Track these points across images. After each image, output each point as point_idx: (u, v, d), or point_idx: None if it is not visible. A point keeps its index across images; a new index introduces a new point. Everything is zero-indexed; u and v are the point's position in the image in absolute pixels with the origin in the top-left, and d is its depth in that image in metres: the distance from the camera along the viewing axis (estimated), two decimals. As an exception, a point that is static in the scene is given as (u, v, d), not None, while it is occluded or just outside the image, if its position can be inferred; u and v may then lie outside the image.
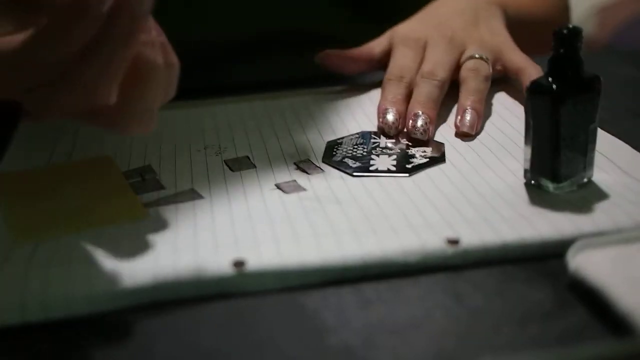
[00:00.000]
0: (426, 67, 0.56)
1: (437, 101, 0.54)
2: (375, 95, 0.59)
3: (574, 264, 0.35)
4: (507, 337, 0.32)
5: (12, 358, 0.33)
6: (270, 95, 0.61)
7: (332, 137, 0.52)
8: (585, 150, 0.42)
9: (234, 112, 0.58)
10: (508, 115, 0.54)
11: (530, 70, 0.54)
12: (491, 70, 0.57)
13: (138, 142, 0.52)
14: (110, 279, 0.36)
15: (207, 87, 0.66)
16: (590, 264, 0.35)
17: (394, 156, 0.48)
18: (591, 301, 0.34)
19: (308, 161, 0.48)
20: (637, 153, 0.47)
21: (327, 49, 0.59)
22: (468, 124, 0.52)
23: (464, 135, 0.51)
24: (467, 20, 0.60)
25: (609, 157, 0.46)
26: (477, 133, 0.52)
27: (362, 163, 0.47)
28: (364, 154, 0.49)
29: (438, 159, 0.48)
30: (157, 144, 0.52)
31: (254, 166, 0.48)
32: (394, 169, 0.46)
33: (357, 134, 0.52)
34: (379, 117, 0.53)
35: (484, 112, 0.54)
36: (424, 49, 0.58)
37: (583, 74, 0.41)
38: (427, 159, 0.47)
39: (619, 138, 0.49)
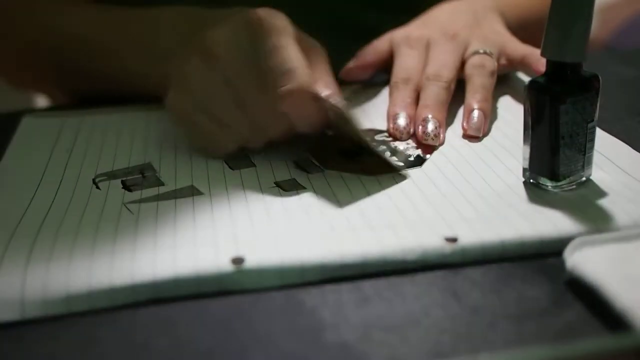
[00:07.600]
0: (431, 69, 0.55)
1: (445, 103, 0.53)
2: (373, 93, 0.59)
3: (571, 262, 0.35)
4: (505, 334, 0.33)
5: (11, 355, 0.33)
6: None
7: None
8: (584, 149, 0.42)
9: None
10: (507, 114, 0.54)
11: (535, 54, 0.54)
12: (496, 65, 0.56)
13: (138, 141, 0.52)
14: (110, 276, 0.36)
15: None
16: (588, 261, 0.35)
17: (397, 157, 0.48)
18: (589, 298, 0.34)
19: (307, 160, 0.48)
20: (636, 152, 0.47)
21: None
22: (475, 127, 0.51)
23: (471, 138, 0.51)
24: (468, 20, 0.60)
25: (608, 156, 0.46)
26: (485, 135, 0.51)
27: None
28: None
29: (415, 162, 0.47)
30: (157, 143, 0.52)
31: (254, 165, 0.48)
32: (402, 164, 0.47)
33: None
34: (389, 123, 0.52)
35: (491, 111, 0.53)
36: (427, 48, 0.57)
37: (582, 73, 0.41)
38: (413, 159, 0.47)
39: (618, 137, 0.49)
